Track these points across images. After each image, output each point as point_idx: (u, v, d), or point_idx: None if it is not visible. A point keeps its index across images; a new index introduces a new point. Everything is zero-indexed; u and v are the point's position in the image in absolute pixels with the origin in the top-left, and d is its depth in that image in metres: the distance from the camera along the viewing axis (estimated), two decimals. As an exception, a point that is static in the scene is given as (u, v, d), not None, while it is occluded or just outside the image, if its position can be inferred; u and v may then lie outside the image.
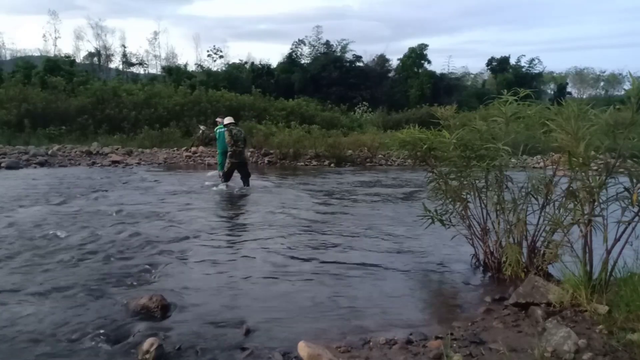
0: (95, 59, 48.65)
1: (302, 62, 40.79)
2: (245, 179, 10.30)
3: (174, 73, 34.47)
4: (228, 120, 10.46)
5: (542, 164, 4.87)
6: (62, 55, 38.90)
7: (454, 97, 33.20)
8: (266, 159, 16.66)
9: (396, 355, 2.82)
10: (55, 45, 51.13)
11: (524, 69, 42.48)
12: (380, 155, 18.27)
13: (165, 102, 22.97)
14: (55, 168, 13.43)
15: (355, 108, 32.27)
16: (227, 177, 10.23)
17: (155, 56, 54.37)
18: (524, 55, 43.67)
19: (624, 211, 3.32)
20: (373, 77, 39.83)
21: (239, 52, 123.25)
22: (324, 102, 30.72)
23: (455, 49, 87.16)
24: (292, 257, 5.07)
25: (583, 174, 3.42)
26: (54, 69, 27.55)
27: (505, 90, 4.28)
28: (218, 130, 11.40)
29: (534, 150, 4.29)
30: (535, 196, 4.17)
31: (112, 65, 50.27)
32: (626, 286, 3.07)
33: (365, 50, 72.91)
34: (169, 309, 3.51)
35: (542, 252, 4.11)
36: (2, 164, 12.93)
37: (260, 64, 39.42)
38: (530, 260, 4.21)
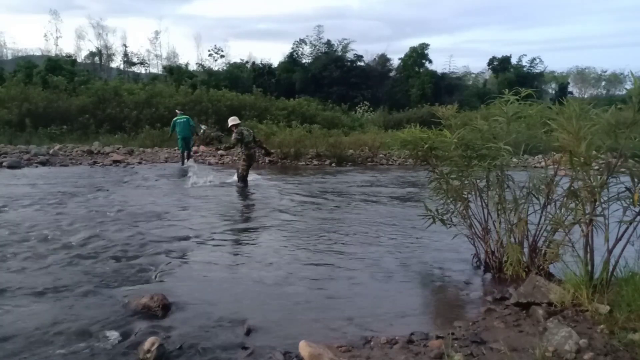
0: (97, 58, 48.67)
1: (303, 61, 40.73)
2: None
3: (175, 72, 34.44)
4: (233, 121, 10.33)
5: (543, 164, 4.87)
6: (64, 54, 38.99)
7: (455, 97, 33.10)
8: (267, 159, 16.65)
9: (397, 355, 2.82)
10: (57, 45, 51.26)
11: (525, 69, 42.40)
12: (381, 155, 18.25)
13: (167, 102, 22.94)
14: (56, 167, 13.43)
15: (357, 107, 32.23)
16: (243, 179, 10.15)
17: (156, 56, 54.48)
18: (525, 55, 43.71)
19: (625, 211, 3.32)
20: (374, 76, 39.78)
21: (240, 51, 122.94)
22: (325, 102, 30.69)
23: (457, 49, 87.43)
24: (293, 257, 5.07)
25: (584, 173, 3.42)
26: (55, 69, 27.55)
27: (507, 90, 4.28)
28: (177, 120, 14.68)
29: (535, 149, 4.29)
30: (537, 196, 4.17)
31: (114, 64, 50.36)
32: (627, 286, 3.07)
33: (366, 50, 72.73)
34: (170, 308, 3.52)
35: (543, 251, 4.11)
36: (4, 164, 12.93)
37: (261, 63, 39.38)
38: (532, 259, 4.21)
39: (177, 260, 4.82)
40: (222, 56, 42.39)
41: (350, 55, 40.60)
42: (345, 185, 11.10)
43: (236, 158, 10.54)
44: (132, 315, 3.39)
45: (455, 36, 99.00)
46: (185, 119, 14.89)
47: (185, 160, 14.67)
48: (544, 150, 4.44)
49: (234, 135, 10.02)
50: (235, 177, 10.47)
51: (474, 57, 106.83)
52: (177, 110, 16.07)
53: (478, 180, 4.54)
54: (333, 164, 16.45)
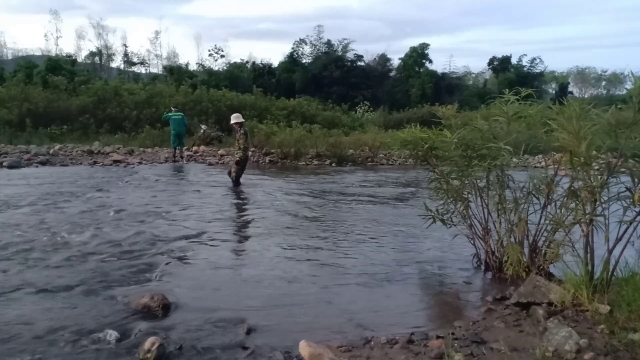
0: (97, 58, 48.66)
1: (304, 61, 40.68)
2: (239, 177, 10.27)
3: (175, 72, 34.43)
4: (237, 118, 10.10)
5: (543, 164, 4.87)
6: (64, 54, 39.01)
7: (455, 97, 33.07)
8: (267, 159, 16.64)
9: (397, 355, 2.83)
10: (57, 45, 51.25)
11: (525, 69, 42.38)
12: (381, 155, 18.24)
13: (167, 102, 22.89)
14: (56, 167, 13.43)
15: (357, 107, 32.19)
16: (237, 180, 10.07)
17: (156, 55, 54.49)
18: (526, 55, 43.59)
19: (625, 211, 3.32)
20: (374, 76, 39.76)
21: (240, 51, 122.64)
22: (325, 102, 30.64)
23: (457, 49, 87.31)
24: (293, 256, 5.07)
25: (585, 173, 3.42)
26: (56, 69, 27.53)
27: (507, 90, 4.28)
28: (172, 117, 15.19)
29: (536, 149, 4.29)
30: (537, 196, 4.17)
31: (114, 64, 50.34)
32: (627, 286, 3.07)
33: (366, 50, 72.74)
34: (170, 308, 3.52)
35: (543, 251, 4.11)
36: (4, 163, 12.93)
37: (261, 63, 39.35)
38: (532, 259, 4.21)
39: (177, 260, 4.82)
40: (222, 56, 42.36)
41: (350, 55, 40.58)
42: (345, 185, 11.10)
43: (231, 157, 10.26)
44: (132, 315, 3.40)
45: (455, 36, 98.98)
46: (180, 116, 15.46)
47: (181, 159, 15.44)
48: (544, 150, 4.44)
49: (242, 137, 9.83)
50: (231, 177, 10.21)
51: (474, 57, 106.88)
52: (172, 107, 16.52)
53: (478, 180, 4.54)
54: (333, 164, 16.45)
